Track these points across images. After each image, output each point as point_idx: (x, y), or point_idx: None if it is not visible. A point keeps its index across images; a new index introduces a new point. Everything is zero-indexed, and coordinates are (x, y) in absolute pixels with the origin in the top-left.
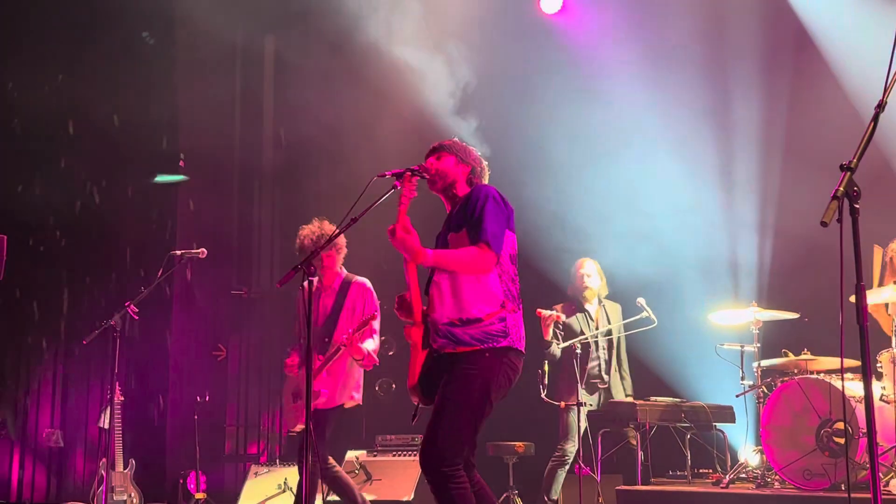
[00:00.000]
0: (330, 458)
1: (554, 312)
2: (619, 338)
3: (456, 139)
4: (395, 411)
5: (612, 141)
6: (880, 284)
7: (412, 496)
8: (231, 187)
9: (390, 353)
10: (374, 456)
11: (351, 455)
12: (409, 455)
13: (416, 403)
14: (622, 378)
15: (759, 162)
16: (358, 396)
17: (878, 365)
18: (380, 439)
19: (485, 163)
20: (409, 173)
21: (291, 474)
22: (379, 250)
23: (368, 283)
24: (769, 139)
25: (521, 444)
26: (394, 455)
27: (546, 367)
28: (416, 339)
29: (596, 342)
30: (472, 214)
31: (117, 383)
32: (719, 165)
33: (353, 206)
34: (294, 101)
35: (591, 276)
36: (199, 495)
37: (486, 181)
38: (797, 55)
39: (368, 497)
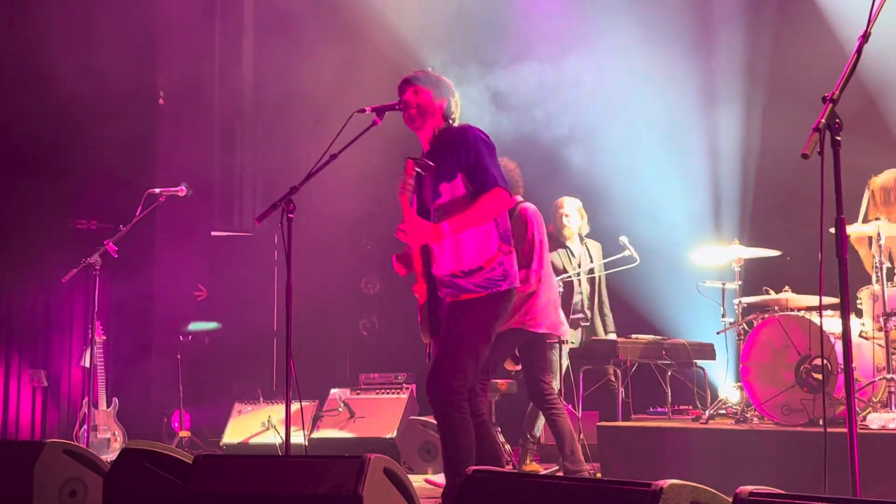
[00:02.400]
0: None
1: None
2: (600, 276)
3: (428, 70)
4: (379, 350)
5: (593, 75)
6: (865, 221)
7: (395, 433)
8: (212, 126)
9: (374, 292)
10: (358, 394)
11: (334, 393)
12: (393, 393)
13: (426, 342)
14: (604, 316)
15: (743, 97)
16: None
17: (858, 301)
18: (363, 377)
19: (458, 94)
20: (413, 162)
21: (275, 412)
22: (365, 187)
23: (531, 209)
24: (753, 73)
25: (503, 381)
26: (377, 393)
27: None
28: (421, 292)
29: (578, 280)
30: (467, 160)
31: (98, 322)
32: (702, 101)
33: (332, 143)
34: (276, 37)
35: (570, 215)
36: (184, 433)
37: (458, 114)
38: None
39: (352, 435)
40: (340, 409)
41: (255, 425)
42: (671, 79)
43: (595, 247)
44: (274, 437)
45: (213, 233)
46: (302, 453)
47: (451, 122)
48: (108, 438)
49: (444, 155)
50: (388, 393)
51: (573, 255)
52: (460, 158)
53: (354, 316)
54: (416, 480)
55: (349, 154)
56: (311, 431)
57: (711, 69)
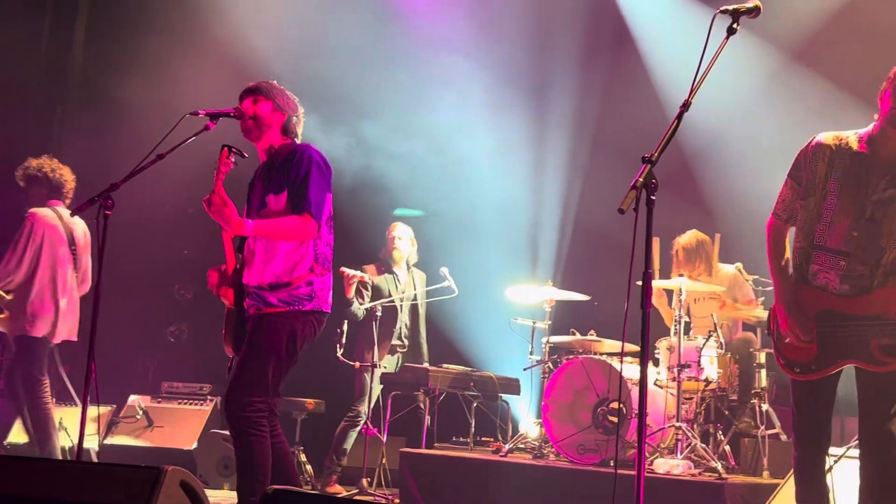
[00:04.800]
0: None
1: (358, 273)
2: (422, 305)
3: (273, 82)
4: (186, 358)
5: (427, 113)
6: (667, 277)
7: (194, 445)
8: (30, 112)
9: (186, 299)
10: (159, 402)
11: (133, 399)
12: (196, 404)
13: (230, 356)
14: (420, 345)
15: (569, 148)
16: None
17: (656, 351)
18: (166, 386)
19: (301, 110)
20: (227, 150)
21: (67, 414)
22: (189, 190)
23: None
24: (581, 127)
25: (311, 400)
26: (179, 403)
27: (345, 327)
28: (230, 298)
29: (401, 307)
30: (294, 178)
31: None
32: (530, 149)
33: (160, 142)
34: (109, 26)
35: (403, 239)
36: None
37: (301, 130)
38: (615, 49)
39: (149, 444)
40: (138, 417)
41: None
42: (501, 125)
43: (420, 276)
44: (64, 440)
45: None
46: (91, 459)
47: (291, 138)
48: None
49: (278, 169)
50: (190, 403)
51: (399, 282)
52: (289, 175)
53: (163, 321)
54: (213, 495)
55: (176, 155)
56: (105, 437)
57: (542, 120)
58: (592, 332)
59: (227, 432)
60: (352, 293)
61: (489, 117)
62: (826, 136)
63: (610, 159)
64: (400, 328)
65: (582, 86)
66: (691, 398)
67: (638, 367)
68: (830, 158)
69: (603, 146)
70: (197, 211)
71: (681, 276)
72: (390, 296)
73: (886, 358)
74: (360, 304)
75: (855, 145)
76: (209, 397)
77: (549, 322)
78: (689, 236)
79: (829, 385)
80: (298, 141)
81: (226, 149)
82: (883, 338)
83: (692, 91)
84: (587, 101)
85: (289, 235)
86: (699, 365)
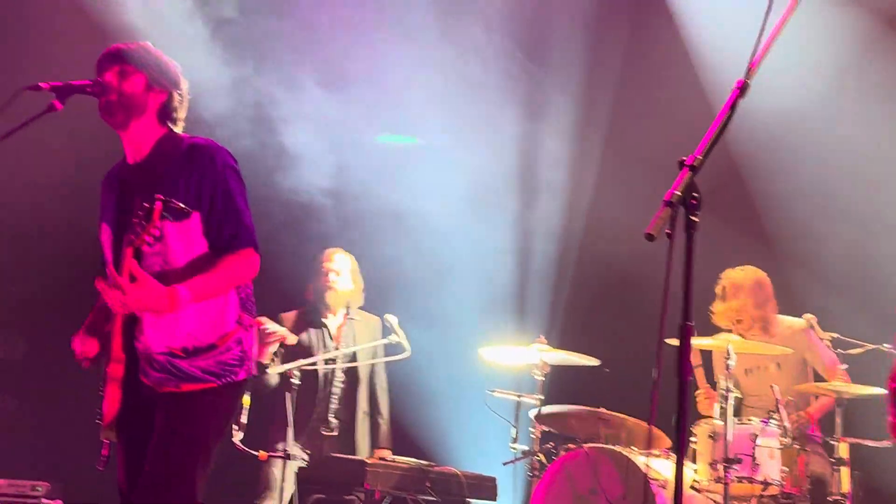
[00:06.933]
0: None
1: (281, 330)
2: (372, 367)
3: (148, 44)
4: (9, 444)
5: (384, 109)
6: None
7: None
8: None
9: (16, 356)
10: None
11: None
12: None
13: (106, 442)
14: (377, 426)
15: (571, 153)
16: None
17: (693, 439)
18: None
19: (186, 85)
20: (163, 205)
21: None
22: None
23: None
24: (589, 120)
25: None
26: None
27: (246, 399)
28: (118, 373)
29: (332, 372)
30: (212, 197)
31: None
32: (516, 144)
33: None
34: None
35: (342, 273)
36: None
37: (184, 114)
38: (639, 10)
39: None
40: None
41: None
42: (474, 106)
43: (368, 325)
44: None
45: None
46: None
47: (171, 126)
48: None
49: (170, 178)
50: None
51: (330, 336)
52: (202, 194)
53: None
54: None
55: (11, 144)
56: None
57: (533, 105)
58: (602, 409)
59: None
60: (269, 356)
61: (462, 114)
62: None
63: (630, 165)
64: (327, 404)
65: (593, 62)
66: None
67: (666, 462)
68: None
69: (620, 146)
70: (49, 214)
71: (728, 331)
72: (315, 354)
73: None
74: (273, 363)
75: None
76: (46, 501)
77: (542, 396)
78: (745, 273)
79: None
80: (180, 130)
81: (160, 202)
82: None
83: (752, 67)
84: (598, 84)
85: (231, 286)
86: (754, 460)
